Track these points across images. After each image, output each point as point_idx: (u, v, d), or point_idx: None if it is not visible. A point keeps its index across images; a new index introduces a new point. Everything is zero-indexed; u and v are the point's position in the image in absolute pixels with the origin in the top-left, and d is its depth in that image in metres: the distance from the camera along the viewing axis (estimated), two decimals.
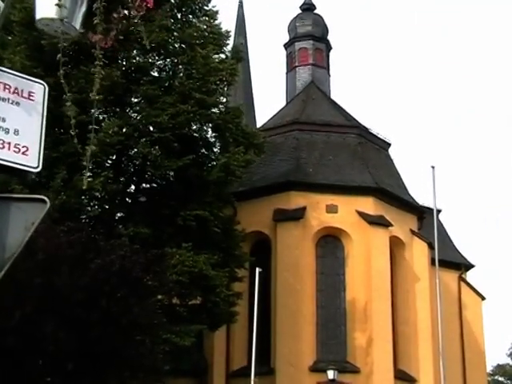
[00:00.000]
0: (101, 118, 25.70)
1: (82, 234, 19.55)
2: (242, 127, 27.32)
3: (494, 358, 68.41)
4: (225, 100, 27.74)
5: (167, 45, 26.11)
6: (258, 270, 17.61)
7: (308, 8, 40.49)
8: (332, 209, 32.39)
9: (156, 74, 26.73)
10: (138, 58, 26.16)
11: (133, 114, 25.35)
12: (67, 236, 18.79)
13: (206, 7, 27.61)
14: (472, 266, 39.68)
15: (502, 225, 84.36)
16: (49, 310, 18.01)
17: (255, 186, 32.62)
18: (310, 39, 39.04)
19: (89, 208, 24.48)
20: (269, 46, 60.77)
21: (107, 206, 25.30)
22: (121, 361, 19.93)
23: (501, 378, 61.62)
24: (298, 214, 31.89)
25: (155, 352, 21.37)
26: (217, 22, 27.47)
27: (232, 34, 31.44)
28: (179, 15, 27.32)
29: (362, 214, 32.24)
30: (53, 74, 24.36)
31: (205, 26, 27.07)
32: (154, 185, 26.82)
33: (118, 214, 25.93)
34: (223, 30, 27.64)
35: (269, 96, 52.85)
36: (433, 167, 25.13)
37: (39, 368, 18.77)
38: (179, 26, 26.86)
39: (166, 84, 25.93)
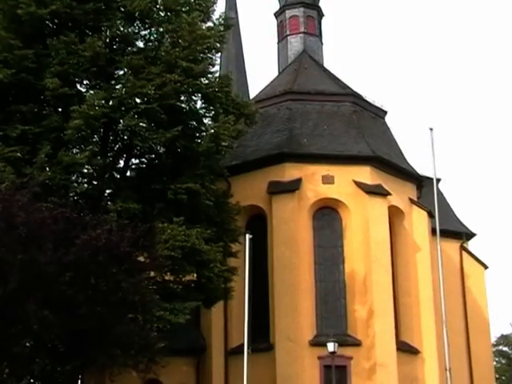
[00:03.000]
0: (84, 90, 24.99)
1: (66, 209, 18.97)
2: (231, 97, 26.60)
3: (498, 328, 67.85)
4: (214, 69, 26.99)
5: (151, 13, 25.36)
6: (248, 236, 17.02)
7: None
8: (328, 179, 31.74)
9: (141, 45, 26.05)
10: (121, 28, 25.38)
11: (118, 86, 24.57)
12: (50, 211, 18.22)
13: None
14: (473, 235, 39.15)
15: (503, 192, 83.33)
16: (32, 287, 17.52)
17: (248, 158, 32.01)
18: (300, 6, 38.22)
19: (75, 184, 23.79)
20: (259, 15, 60.13)
21: (95, 182, 24.68)
22: (111, 339, 19.49)
23: (505, 348, 61.33)
24: (293, 186, 31.27)
25: (147, 329, 20.92)
26: None
27: (222, 6, 30.74)
28: None
29: (359, 184, 31.63)
30: (31, 45, 24.03)
31: None
32: (143, 159, 26.24)
33: (107, 191, 25.33)
34: None
35: (261, 67, 52.05)
36: (431, 129, 24.34)
37: (26, 349, 18.31)
38: None
39: (152, 54, 25.20)
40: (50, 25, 24.56)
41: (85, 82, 25.11)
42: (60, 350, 19.12)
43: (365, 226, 31.37)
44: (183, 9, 25.97)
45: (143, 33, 26.24)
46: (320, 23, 39.14)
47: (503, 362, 60.74)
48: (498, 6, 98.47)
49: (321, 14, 39.26)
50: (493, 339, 46.27)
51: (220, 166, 27.10)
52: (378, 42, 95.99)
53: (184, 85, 24.33)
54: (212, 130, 25.73)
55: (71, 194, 23.79)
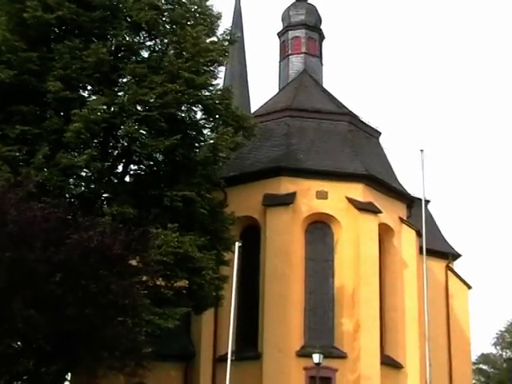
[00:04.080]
0: (86, 95, 24.09)
1: (59, 209, 17.97)
2: (232, 109, 25.80)
3: (479, 346, 67.02)
4: (216, 82, 26.13)
5: (157, 24, 24.60)
6: (237, 243, 16.12)
7: None
8: (322, 195, 31.03)
9: (145, 54, 25.24)
10: (127, 37, 24.53)
11: (120, 93, 23.70)
12: (42, 210, 17.22)
13: None
14: (459, 256, 38.57)
15: (489, 215, 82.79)
16: (20, 286, 16.50)
17: (246, 170, 31.22)
18: (303, 28, 37.64)
19: (72, 186, 22.84)
20: (263, 35, 60.29)
21: (93, 186, 23.72)
22: (98, 341, 18.50)
23: (484, 367, 60.42)
24: (287, 200, 30.52)
25: (135, 333, 19.92)
26: (208, 3, 25.92)
27: (229, 24, 30.00)
28: None
29: (351, 201, 30.94)
30: (36, 48, 23.16)
31: (195, 7, 25.50)
32: (142, 166, 25.33)
33: (104, 195, 24.38)
34: (214, 12, 26.05)
35: (263, 84, 51.48)
36: (422, 151, 24.03)
37: (10, 348, 17.25)
38: (170, 6, 25.35)
39: (155, 64, 24.39)
40: (56, 30, 23.69)
41: (88, 88, 24.27)
42: (46, 351, 18.08)
43: (355, 242, 30.71)
44: (188, 22, 25.29)
45: (148, 43, 25.48)
46: (321, 45, 38.57)
47: (482, 380, 59.92)
48: (486, 35, 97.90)
49: (322, 37, 38.73)
50: (473, 357, 45.57)
51: (217, 176, 26.28)
52: (375, 65, 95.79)
53: (185, 95, 23.56)
54: (211, 141, 25.02)
55: (67, 196, 22.81)
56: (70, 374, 24.28)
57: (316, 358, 26.61)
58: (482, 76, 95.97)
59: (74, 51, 22.60)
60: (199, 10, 25.53)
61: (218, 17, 26.04)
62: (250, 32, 46.30)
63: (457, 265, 38.31)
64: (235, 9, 44.79)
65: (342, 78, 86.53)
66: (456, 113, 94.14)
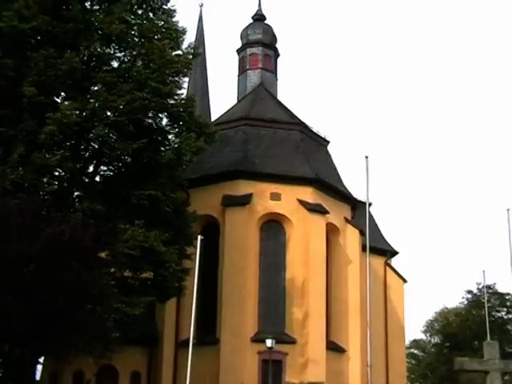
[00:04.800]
0: (59, 100, 23.47)
1: (34, 204, 17.41)
2: (194, 117, 25.42)
3: (412, 333, 67.76)
4: (180, 92, 25.72)
5: (126, 37, 24.08)
6: (199, 237, 15.81)
7: (259, 18, 38.76)
8: (275, 196, 30.86)
9: (115, 64, 24.70)
10: (98, 49, 23.98)
11: (91, 100, 23.11)
12: (17, 205, 16.64)
13: (164, 6, 25.62)
14: (396, 253, 38.59)
15: (423, 217, 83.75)
16: None
17: (207, 173, 30.79)
18: (259, 46, 37.34)
19: (45, 185, 22.20)
20: (224, 51, 60.61)
21: (66, 184, 23.11)
22: (69, 326, 17.96)
23: (416, 351, 61.19)
24: (244, 200, 30.26)
25: (104, 319, 19.43)
26: (174, 19, 25.51)
27: (192, 39, 29.56)
28: (140, 11, 25.25)
29: (302, 202, 30.79)
30: (12, 55, 22.47)
31: (162, 22, 25.09)
32: (111, 167, 24.77)
33: (76, 193, 23.79)
34: (179, 27, 25.64)
35: (223, 96, 51.18)
36: (366, 157, 23.91)
37: None
38: (139, 21, 24.90)
39: (124, 73, 23.87)
40: (31, 39, 22.98)
41: (61, 94, 23.60)
42: (20, 334, 17.47)
43: (305, 239, 30.60)
44: (155, 36, 24.77)
45: (118, 54, 24.86)
46: (276, 61, 38.28)
47: (413, 362, 60.56)
48: (433, 44, 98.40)
49: (277, 54, 38.48)
50: (407, 343, 45.81)
51: (181, 178, 25.88)
52: (324, 80, 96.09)
53: (152, 102, 23.10)
54: (175, 145, 24.58)
55: (41, 193, 22.12)
56: (43, 357, 23.70)
57: (269, 342, 26.48)
58: (416, 88, 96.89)
59: (48, 60, 21.90)
60: (166, 25, 25.07)
61: (183, 32, 25.59)
62: (211, 48, 46.24)
63: (394, 261, 38.43)
64: (198, 26, 44.35)
65: (295, 92, 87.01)
66: (395, 124, 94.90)
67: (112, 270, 21.89)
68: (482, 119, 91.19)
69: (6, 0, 22.22)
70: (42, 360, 24.39)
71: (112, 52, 24.47)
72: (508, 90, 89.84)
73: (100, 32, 23.70)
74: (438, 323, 55.06)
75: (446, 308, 53.82)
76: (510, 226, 20.67)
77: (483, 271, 32.08)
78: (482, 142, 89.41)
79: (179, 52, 25.43)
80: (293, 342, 29.37)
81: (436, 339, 56.73)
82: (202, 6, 44.92)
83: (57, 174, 22.86)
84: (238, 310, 28.97)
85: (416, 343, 60.19)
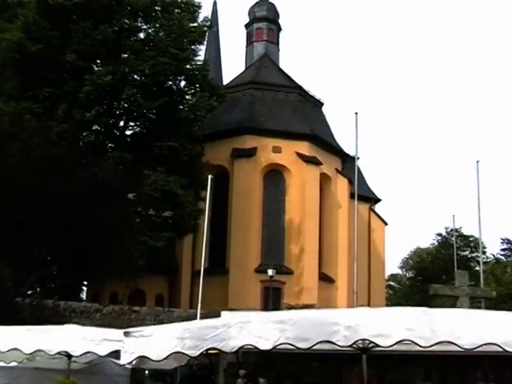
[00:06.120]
0: (96, 66, 23.37)
1: (73, 152, 17.49)
2: (208, 80, 25.33)
3: (390, 268, 68.41)
4: (196, 58, 25.58)
5: (150, 11, 23.96)
6: (210, 177, 15.79)
7: None
8: (277, 150, 30.81)
9: (141, 36, 24.58)
10: (127, 21, 23.79)
11: (121, 65, 23.00)
12: (60, 152, 16.72)
13: None
14: (379, 200, 38.77)
15: (404, 167, 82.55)
16: (43, 209, 16.08)
17: (218, 129, 30.62)
18: (264, 21, 36.89)
19: (84, 137, 22.27)
20: (234, 26, 59.58)
21: (101, 137, 23.18)
22: (103, 256, 18.21)
23: (393, 283, 61.72)
24: (250, 153, 30.28)
25: (132, 250, 19.69)
26: None
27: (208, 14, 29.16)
28: None
29: (299, 155, 30.78)
30: (57, 28, 22.34)
31: None
32: (138, 123, 24.79)
33: (109, 144, 23.86)
34: (196, 2, 25.36)
35: (233, 64, 50.33)
36: (356, 113, 23.31)
37: (41, 256, 16.88)
38: None
39: (149, 42, 23.82)
40: (73, 14, 22.84)
41: (97, 60, 23.54)
42: (66, 261, 17.75)
43: (302, 187, 30.68)
44: (175, 10, 24.70)
45: (144, 26, 24.84)
46: (278, 34, 37.85)
47: (391, 292, 61.20)
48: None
49: (279, 28, 37.99)
50: (386, 277, 46.17)
51: (196, 133, 25.96)
52: (320, 46, 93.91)
53: (172, 66, 23.19)
54: (191, 102, 24.48)
55: (80, 144, 22.23)
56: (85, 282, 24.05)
57: (270, 272, 26.55)
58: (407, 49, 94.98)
59: (86, 31, 21.97)
60: (184, 0, 24.81)
61: (199, 6, 25.51)
62: (223, 24, 45.45)
63: (377, 207, 38.56)
64: (213, 6, 43.55)
65: (295, 60, 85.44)
66: (382, 84, 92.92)
67: (138, 209, 22.06)
68: (459, 75, 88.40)
69: None
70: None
71: (139, 25, 24.28)
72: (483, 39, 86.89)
73: (129, 7, 23.50)
74: (413, 260, 55.37)
75: (419, 248, 54.09)
76: (479, 177, 20.50)
77: (453, 216, 32.13)
78: (457, 99, 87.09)
79: (195, 24, 25.25)
80: (290, 272, 29.68)
81: (410, 274, 57.10)
82: None
83: (94, 128, 22.89)
84: (244, 245, 29.25)
85: (393, 277, 60.59)
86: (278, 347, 5.33)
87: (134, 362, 6.14)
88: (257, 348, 5.37)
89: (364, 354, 5.70)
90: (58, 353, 7.67)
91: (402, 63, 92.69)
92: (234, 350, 5.48)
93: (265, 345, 5.29)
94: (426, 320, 5.21)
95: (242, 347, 5.46)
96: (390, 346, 5.10)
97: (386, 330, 5.15)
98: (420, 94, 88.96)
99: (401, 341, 5.10)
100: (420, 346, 5.09)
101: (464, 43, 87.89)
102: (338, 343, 5.17)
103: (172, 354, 5.69)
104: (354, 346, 5.34)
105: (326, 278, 30.96)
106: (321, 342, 5.20)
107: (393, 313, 5.64)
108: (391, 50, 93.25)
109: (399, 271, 60.52)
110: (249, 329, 5.44)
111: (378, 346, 5.21)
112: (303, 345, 5.19)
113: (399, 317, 5.40)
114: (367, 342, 5.36)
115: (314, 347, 5.22)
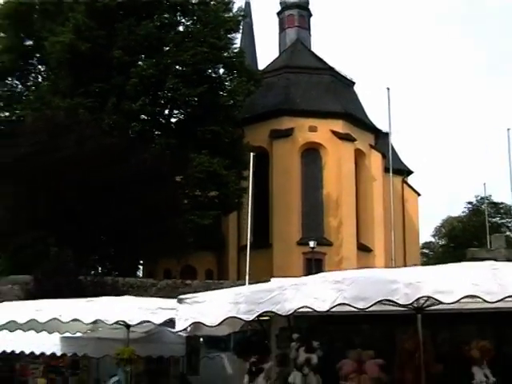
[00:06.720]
0: (140, 59, 23.31)
1: (123, 141, 17.51)
2: (245, 66, 25.03)
3: (424, 237, 67.36)
4: (233, 46, 25.26)
5: (188, 5, 23.62)
6: (252, 154, 15.55)
7: None
8: (313, 129, 30.36)
9: (181, 29, 24.37)
10: (167, 16, 23.61)
11: (164, 57, 22.88)
12: (110, 140, 16.76)
13: None
14: (412, 172, 37.94)
15: (435, 139, 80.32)
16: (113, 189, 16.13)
17: (257, 113, 30.31)
18: (295, 8, 36.10)
19: (133, 126, 22.30)
20: (267, 14, 58.52)
21: (147, 126, 23.16)
22: (157, 233, 18.25)
23: (426, 251, 60.83)
24: (288, 133, 29.95)
25: (181, 229, 19.70)
26: None
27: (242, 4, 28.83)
28: None
29: (334, 133, 30.27)
30: (104, 27, 22.40)
31: None
32: (181, 110, 24.68)
33: (156, 132, 23.86)
34: None
35: (267, 50, 49.49)
36: (388, 89, 22.42)
37: (97, 241, 17.05)
38: None
39: (188, 34, 23.63)
40: (117, 13, 22.79)
41: (141, 54, 23.45)
42: (122, 240, 17.87)
43: (338, 163, 30.23)
44: (211, 2, 24.38)
45: (182, 20, 24.59)
46: (309, 20, 37.01)
47: (425, 260, 60.31)
48: None
49: (310, 14, 37.16)
50: (420, 245, 45.44)
51: (237, 117, 25.76)
52: (349, 27, 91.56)
53: (210, 55, 22.83)
54: (230, 88, 24.21)
55: (130, 132, 22.28)
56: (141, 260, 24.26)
57: (311, 243, 26.52)
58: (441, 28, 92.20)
59: (130, 28, 21.97)
60: None
61: None
62: (256, 13, 44.67)
63: (410, 179, 37.79)
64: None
65: (326, 43, 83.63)
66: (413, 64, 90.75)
67: (186, 190, 22.05)
68: (486, 44, 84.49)
69: None
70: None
71: (178, 18, 24.12)
72: None
73: (167, 3, 23.34)
74: (445, 228, 54.23)
75: (451, 216, 52.91)
76: (510, 145, 19.62)
77: (484, 184, 31.29)
78: (486, 66, 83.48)
79: (230, 14, 24.93)
80: (330, 244, 29.47)
81: (443, 241, 56.01)
82: None
83: (141, 118, 22.91)
84: (286, 220, 29.07)
85: (427, 245, 59.63)
86: (331, 310, 4.84)
87: (188, 329, 5.77)
88: (313, 309, 4.89)
89: (419, 314, 5.26)
90: (116, 322, 7.60)
91: (431, 35, 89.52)
92: (290, 312, 4.99)
93: (322, 306, 4.81)
94: (493, 274, 4.68)
95: (298, 309, 4.98)
96: (454, 302, 4.58)
97: (449, 286, 4.61)
98: (448, 65, 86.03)
99: (466, 296, 4.56)
100: (487, 302, 4.55)
101: (492, 11, 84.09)
102: (398, 301, 4.65)
103: (226, 319, 5.24)
104: (410, 306, 4.86)
105: (363, 248, 30.59)
106: (380, 301, 4.70)
107: (456, 268, 5.09)
108: (418, 23, 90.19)
109: (432, 239, 59.42)
110: (304, 290, 5.00)
111: (440, 303, 4.69)
112: (361, 304, 4.68)
113: (464, 272, 4.88)
114: (424, 300, 4.87)
115: (367, 309, 4.72)
